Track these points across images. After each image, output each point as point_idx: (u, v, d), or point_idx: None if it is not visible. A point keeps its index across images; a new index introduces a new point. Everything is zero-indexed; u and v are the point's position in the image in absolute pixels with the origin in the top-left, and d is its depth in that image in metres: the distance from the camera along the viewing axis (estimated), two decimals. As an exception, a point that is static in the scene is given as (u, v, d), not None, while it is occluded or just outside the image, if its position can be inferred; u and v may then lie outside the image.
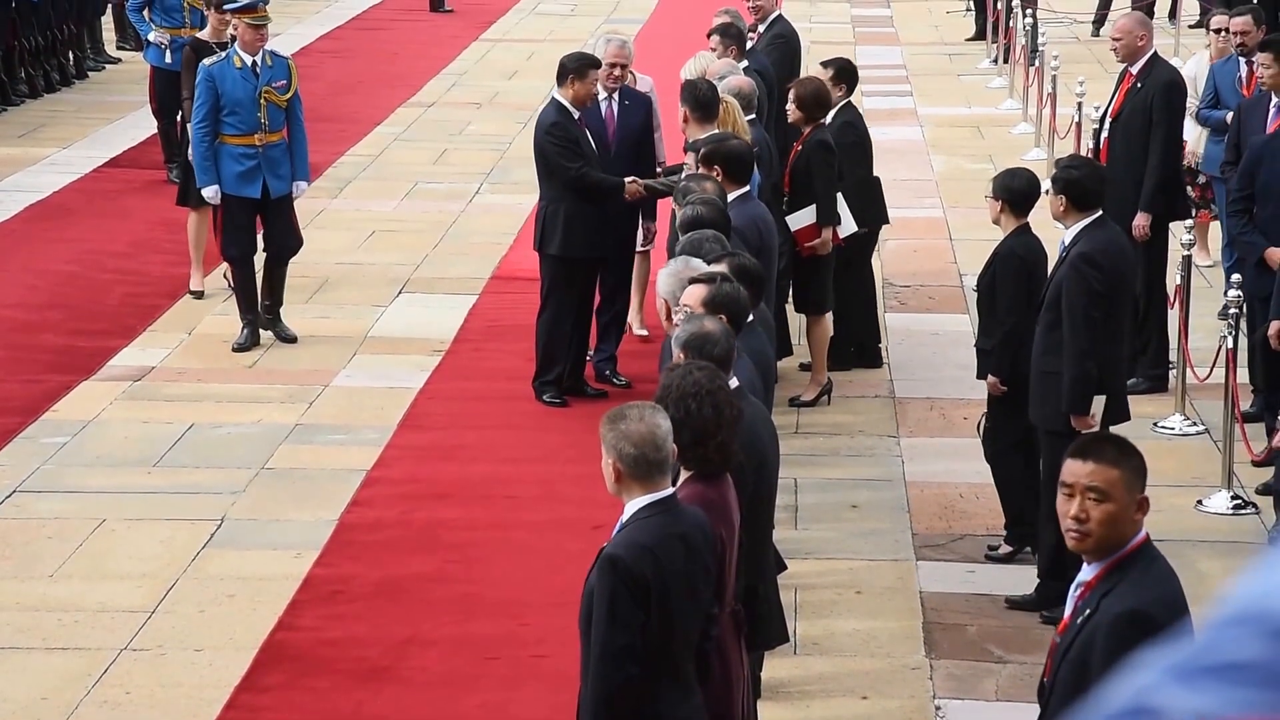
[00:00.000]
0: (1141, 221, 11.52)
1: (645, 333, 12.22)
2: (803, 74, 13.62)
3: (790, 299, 11.83)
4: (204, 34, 13.78)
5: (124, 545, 9.43)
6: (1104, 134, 11.88)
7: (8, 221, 15.56)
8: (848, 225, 11.56)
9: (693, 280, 7.17)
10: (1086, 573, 5.20)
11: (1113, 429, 8.60)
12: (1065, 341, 8.58)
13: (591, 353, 11.57)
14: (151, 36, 16.66)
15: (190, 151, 12.95)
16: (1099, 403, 8.68)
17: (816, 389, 11.43)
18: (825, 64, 12.21)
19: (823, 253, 11.38)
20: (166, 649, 8.33)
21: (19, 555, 9.32)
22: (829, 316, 11.58)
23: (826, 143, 11.40)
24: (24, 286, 13.76)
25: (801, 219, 11.33)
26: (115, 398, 11.50)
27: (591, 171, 11.08)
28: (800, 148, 11.40)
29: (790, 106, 11.44)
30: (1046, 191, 9.00)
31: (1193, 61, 13.99)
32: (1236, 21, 12.89)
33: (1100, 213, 8.74)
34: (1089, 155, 12.31)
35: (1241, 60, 12.83)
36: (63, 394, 11.52)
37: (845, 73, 12.04)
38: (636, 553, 5.52)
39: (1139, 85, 11.73)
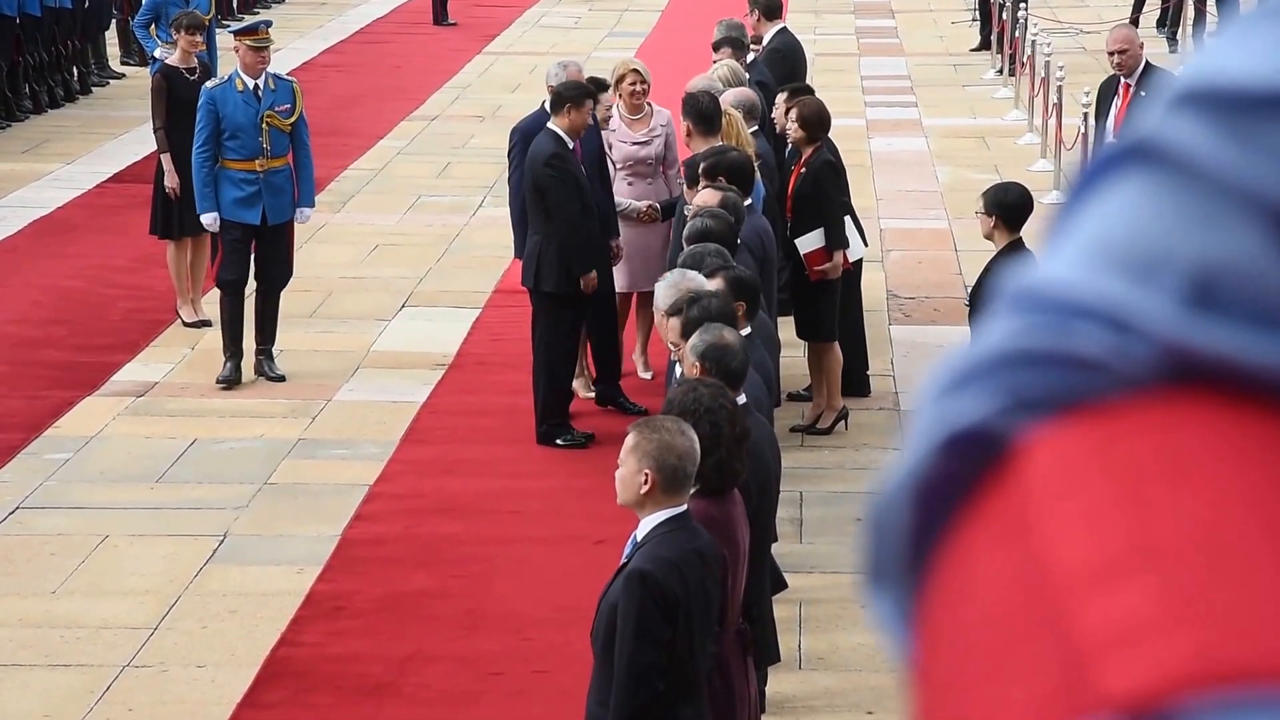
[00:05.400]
0: None
1: (649, 375, 11.77)
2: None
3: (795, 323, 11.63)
4: (173, 59, 13.32)
5: (126, 561, 9.40)
6: None
7: (12, 237, 15.56)
8: (857, 248, 11.41)
9: (668, 313, 7.13)
10: None
11: None
12: None
13: (590, 392, 11.34)
14: (157, 52, 16.61)
15: (166, 181, 12.85)
16: None
17: (832, 414, 11.17)
18: (783, 88, 12.09)
19: (833, 276, 11.13)
20: (169, 666, 8.31)
21: (22, 572, 9.30)
22: (837, 345, 11.29)
23: (832, 163, 11.21)
24: (28, 302, 13.75)
25: (810, 242, 11.08)
26: (118, 413, 11.47)
27: (580, 219, 10.65)
28: (804, 170, 11.15)
29: (792, 126, 11.19)
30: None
31: None
32: None
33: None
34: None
35: None
36: (66, 410, 11.50)
37: (802, 93, 11.78)
38: (665, 568, 5.49)
39: (1142, 94, 11.72)
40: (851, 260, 11.36)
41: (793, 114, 11.23)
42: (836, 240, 11.11)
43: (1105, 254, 0.75)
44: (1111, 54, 12.09)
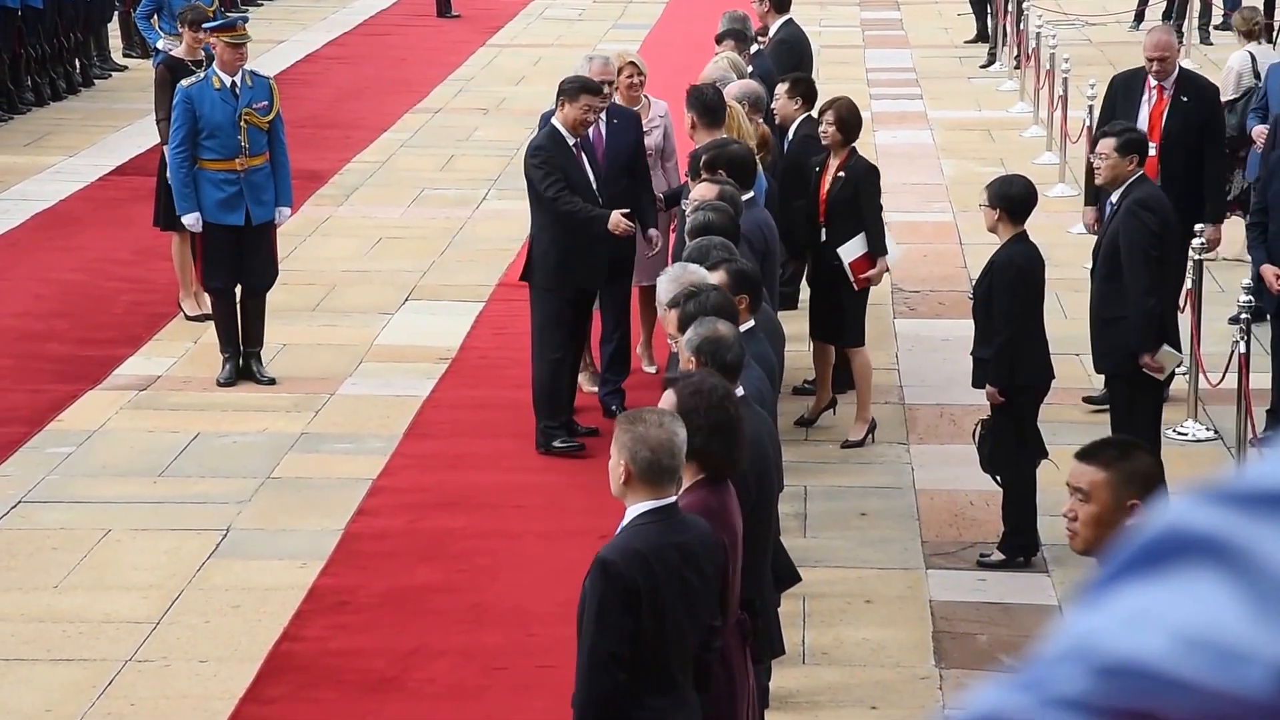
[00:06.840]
0: (1214, 235, 11.37)
1: (654, 369, 11.62)
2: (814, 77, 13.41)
3: (813, 328, 11.35)
4: (178, 51, 13.24)
5: (129, 556, 9.38)
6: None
7: (14, 230, 15.54)
8: (891, 252, 11.08)
9: (669, 305, 7.11)
10: None
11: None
12: (1128, 283, 9.13)
13: (598, 387, 11.20)
14: (160, 44, 16.61)
15: (169, 175, 12.73)
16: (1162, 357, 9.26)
17: (864, 426, 10.83)
18: (782, 78, 12.03)
19: (877, 283, 10.95)
20: (171, 660, 8.28)
21: (24, 566, 9.28)
22: (866, 351, 11.02)
23: (874, 168, 11.03)
24: (30, 295, 13.73)
25: (853, 250, 10.72)
26: (121, 407, 11.45)
27: (569, 197, 10.44)
28: (842, 174, 10.78)
29: (830, 129, 10.79)
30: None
31: (1236, 56, 13.95)
32: None
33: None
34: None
35: None
36: (68, 403, 11.48)
37: (802, 84, 11.82)
38: (629, 558, 5.48)
39: (1184, 99, 11.51)
40: (890, 263, 11.13)
41: (829, 115, 10.84)
42: (879, 246, 10.82)
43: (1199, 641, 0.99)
44: (1150, 59, 11.74)
